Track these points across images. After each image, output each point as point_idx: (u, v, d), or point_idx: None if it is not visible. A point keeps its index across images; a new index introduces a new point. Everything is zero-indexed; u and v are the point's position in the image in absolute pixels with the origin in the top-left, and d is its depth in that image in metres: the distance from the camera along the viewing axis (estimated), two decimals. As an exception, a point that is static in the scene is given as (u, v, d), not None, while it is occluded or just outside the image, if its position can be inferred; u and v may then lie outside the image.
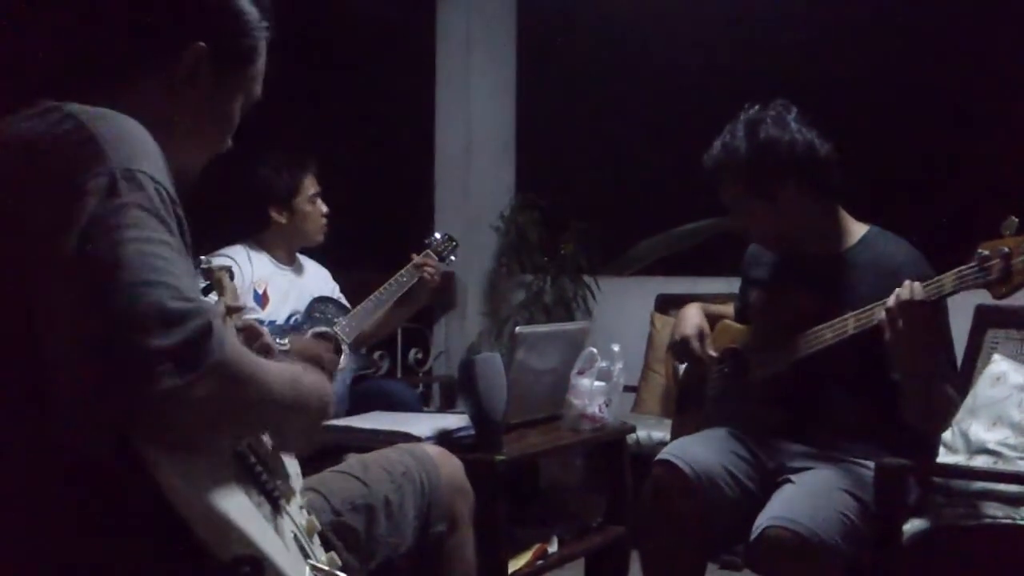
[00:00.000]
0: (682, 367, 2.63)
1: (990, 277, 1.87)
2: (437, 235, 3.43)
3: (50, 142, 1.10)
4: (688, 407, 2.57)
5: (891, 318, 1.97)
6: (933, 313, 1.98)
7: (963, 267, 1.92)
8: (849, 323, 2.12)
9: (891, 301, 1.97)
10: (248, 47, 1.33)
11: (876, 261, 2.23)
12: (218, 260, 1.84)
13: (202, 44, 1.27)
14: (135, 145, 1.11)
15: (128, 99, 1.22)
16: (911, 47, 4.42)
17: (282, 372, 1.18)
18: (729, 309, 2.61)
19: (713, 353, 2.45)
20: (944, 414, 2.17)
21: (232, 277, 1.84)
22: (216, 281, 1.81)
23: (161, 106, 1.26)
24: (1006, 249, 1.84)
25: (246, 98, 1.36)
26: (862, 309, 2.09)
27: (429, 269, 3.24)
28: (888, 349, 2.02)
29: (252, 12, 1.32)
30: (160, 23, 1.26)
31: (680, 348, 2.48)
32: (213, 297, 1.78)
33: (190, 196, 1.34)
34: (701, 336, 2.46)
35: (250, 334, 1.58)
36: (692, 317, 2.50)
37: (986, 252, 1.87)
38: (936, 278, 1.98)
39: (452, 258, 3.45)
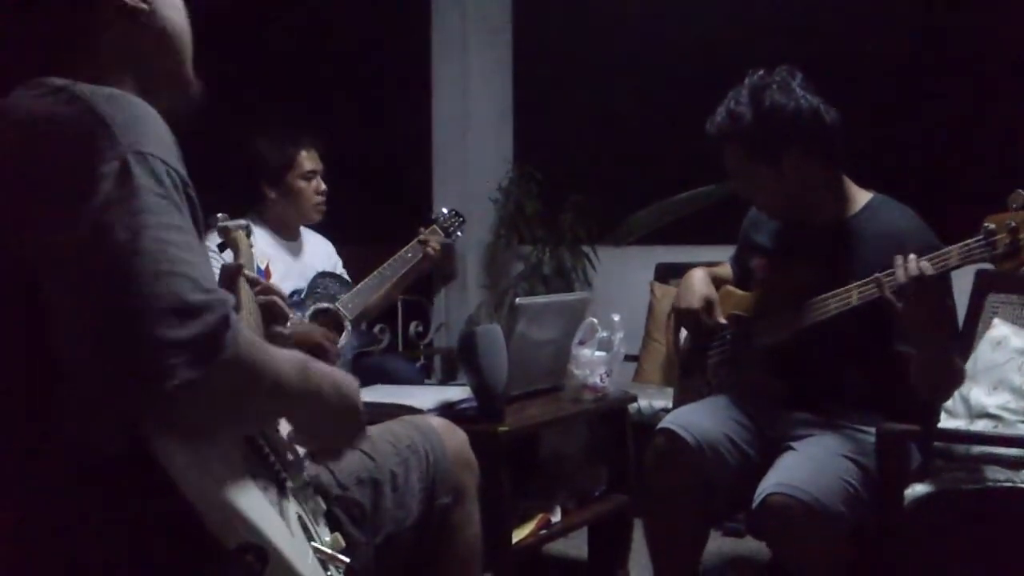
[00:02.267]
0: (683, 335, 2.63)
1: (996, 252, 1.86)
2: (444, 210, 3.39)
3: (57, 125, 1.08)
4: (690, 375, 2.57)
5: (899, 293, 1.96)
6: (939, 286, 1.98)
7: (970, 241, 1.91)
8: (853, 293, 2.11)
9: (900, 276, 1.96)
10: None
11: (880, 229, 2.22)
12: (238, 222, 1.83)
13: None
14: (145, 127, 1.09)
15: (100, 47, 1.21)
16: (915, 11, 4.38)
17: (291, 359, 1.17)
18: (728, 271, 2.59)
19: (723, 321, 2.44)
20: (951, 384, 2.17)
21: (249, 235, 1.83)
22: (232, 240, 1.80)
23: (128, 33, 1.24)
24: (1013, 223, 1.83)
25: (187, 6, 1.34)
26: (866, 280, 2.08)
27: (434, 245, 3.21)
28: (897, 322, 2.02)
29: None
30: None
31: (689, 319, 2.47)
32: (229, 255, 1.77)
33: (201, 162, 1.34)
34: (709, 306, 2.44)
35: (271, 311, 1.57)
36: (699, 286, 2.47)
37: (992, 226, 1.86)
38: (942, 251, 1.96)
39: (459, 234, 3.42)
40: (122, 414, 1.01)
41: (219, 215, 1.88)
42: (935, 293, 1.96)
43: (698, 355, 2.54)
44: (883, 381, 2.24)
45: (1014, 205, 1.86)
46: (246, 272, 1.56)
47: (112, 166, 1.04)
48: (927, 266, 1.94)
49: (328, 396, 1.24)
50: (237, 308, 1.45)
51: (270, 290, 1.61)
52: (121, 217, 1.02)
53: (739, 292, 2.50)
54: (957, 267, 1.95)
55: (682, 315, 2.48)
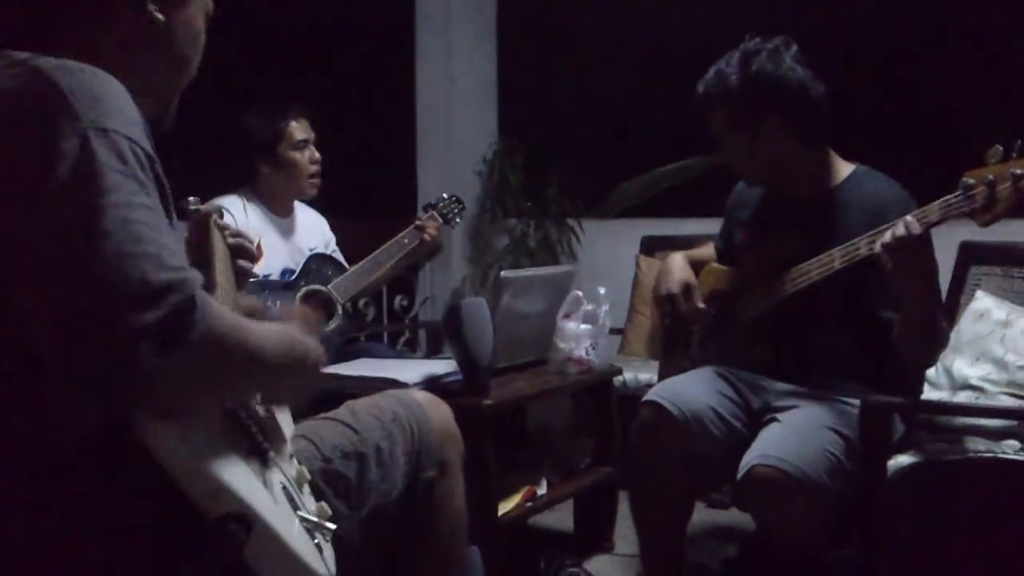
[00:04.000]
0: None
1: (975, 205, 1.88)
2: (444, 195, 3.32)
3: (16, 100, 1.05)
4: (674, 349, 2.58)
5: (890, 251, 1.97)
6: (923, 243, 1.99)
7: (949, 196, 1.93)
8: (835, 257, 2.13)
9: (887, 236, 1.97)
10: None
11: (862, 200, 2.24)
12: (210, 204, 1.82)
13: None
14: (108, 103, 1.07)
15: (102, 36, 1.19)
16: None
17: (269, 332, 1.16)
18: (711, 251, 2.60)
19: (701, 306, 2.45)
20: (937, 345, 2.19)
21: (222, 217, 1.82)
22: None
23: (134, 38, 1.23)
24: (991, 177, 1.85)
25: (206, 9, 1.33)
26: (847, 243, 2.10)
27: (431, 231, 3.14)
28: (888, 283, 2.03)
29: None
30: None
31: (667, 305, 2.48)
32: (198, 205, 1.76)
33: (177, 147, 1.33)
34: (688, 291, 2.45)
35: (238, 252, 1.57)
36: (677, 270, 2.49)
37: (971, 181, 1.89)
38: (922, 208, 1.98)
39: (458, 220, 3.35)
40: (95, 399, 1.00)
41: (191, 199, 1.87)
42: (919, 248, 1.97)
43: (680, 331, 2.55)
44: (867, 351, 2.25)
45: (992, 160, 1.88)
46: (216, 220, 1.54)
47: (72, 143, 1.01)
48: (913, 223, 1.95)
49: (304, 366, 1.25)
50: (211, 255, 1.43)
51: (239, 233, 1.61)
52: (81, 196, 1.00)
53: (722, 268, 2.51)
54: (938, 222, 1.96)
55: (661, 301, 2.49)
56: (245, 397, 1.27)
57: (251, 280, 1.66)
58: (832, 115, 2.27)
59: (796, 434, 2.09)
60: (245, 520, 1.03)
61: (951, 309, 2.64)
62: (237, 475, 1.07)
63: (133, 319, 0.96)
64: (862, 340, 2.25)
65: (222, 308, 1.07)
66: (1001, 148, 1.88)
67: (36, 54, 1.10)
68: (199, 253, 1.43)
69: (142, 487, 1.04)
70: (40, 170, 1.01)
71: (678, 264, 2.51)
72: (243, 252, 1.60)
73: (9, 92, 1.06)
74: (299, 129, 3.13)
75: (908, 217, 1.97)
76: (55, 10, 1.20)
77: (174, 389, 1.01)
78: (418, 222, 3.16)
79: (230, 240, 1.57)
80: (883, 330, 2.15)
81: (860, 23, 4.40)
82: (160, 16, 1.24)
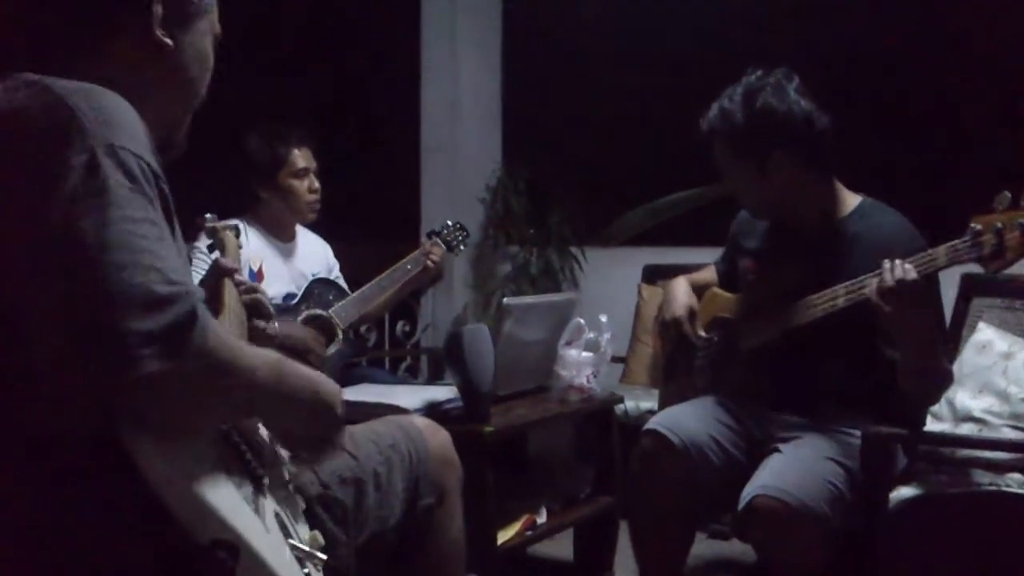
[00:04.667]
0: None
1: (983, 252, 1.87)
2: (449, 223, 3.31)
3: (27, 118, 1.07)
4: (675, 376, 2.57)
5: (885, 297, 1.96)
6: (927, 287, 1.98)
7: (957, 241, 1.91)
8: (840, 296, 2.11)
9: (886, 280, 1.96)
10: None
11: (868, 233, 2.22)
12: (226, 223, 1.82)
13: None
14: (117, 120, 1.09)
15: (110, 62, 1.20)
16: (902, 12, 4.39)
17: (265, 358, 1.16)
18: (712, 275, 2.59)
19: (702, 333, 2.46)
20: (939, 387, 2.18)
21: (238, 235, 1.82)
22: (220, 240, 1.80)
23: (142, 62, 1.24)
24: (999, 224, 1.84)
25: (214, 34, 1.34)
26: (853, 281, 2.08)
27: (434, 258, 3.13)
28: (885, 326, 2.02)
29: None
30: None
31: (670, 330, 2.48)
32: (217, 255, 1.77)
33: (179, 170, 1.33)
34: (691, 316, 2.46)
35: (255, 309, 1.57)
36: (680, 295, 2.49)
37: (979, 227, 1.87)
38: (929, 252, 1.97)
39: (462, 247, 3.33)
40: (91, 406, 1.00)
41: (208, 215, 1.88)
42: (921, 296, 1.96)
43: (683, 358, 2.54)
44: (869, 383, 2.24)
45: (1000, 206, 1.87)
46: (227, 265, 1.55)
47: (81, 159, 1.03)
48: (910, 269, 1.94)
49: (302, 396, 1.23)
50: (220, 307, 1.44)
51: (255, 289, 1.61)
52: (89, 210, 1.01)
53: (725, 294, 2.50)
54: (944, 268, 1.95)
55: (666, 326, 2.50)
56: (238, 419, 1.26)
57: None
58: (839, 144, 2.26)
59: (798, 465, 2.08)
60: (233, 548, 1.02)
61: (953, 341, 2.64)
62: (227, 501, 1.07)
63: (134, 327, 0.98)
64: (865, 372, 2.23)
65: (220, 327, 1.08)
66: (1009, 195, 1.86)
67: (47, 76, 1.11)
68: (208, 305, 1.44)
69: (130, 508, 1.04)
70: (49, 184, 1.02)
71: (682, 289, 2.51)
72: (259, 309, 1.59)
73: (22, 110, 1.08)
74: (301, 157, 3.12)
75: (906, 264, 1.95)
76: (65, 36, 1.22)
77: (168, 400, 1.02)
78: (422, 248, 3.15)
79: (245, 298, 1.56)
80: (887, 364, 2.13)
81: (863, 52, 4.43)
82: (168, 41, 1.25)
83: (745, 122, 2.21)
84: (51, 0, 1.23)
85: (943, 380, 2.17)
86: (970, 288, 2.76)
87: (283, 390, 1.20)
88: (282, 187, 3.10)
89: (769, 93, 2.20)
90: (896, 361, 2.09)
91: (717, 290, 2.53)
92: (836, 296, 2.12)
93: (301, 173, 3.12)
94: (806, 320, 2.18)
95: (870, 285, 2.01)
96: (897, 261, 1.96)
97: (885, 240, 2.15)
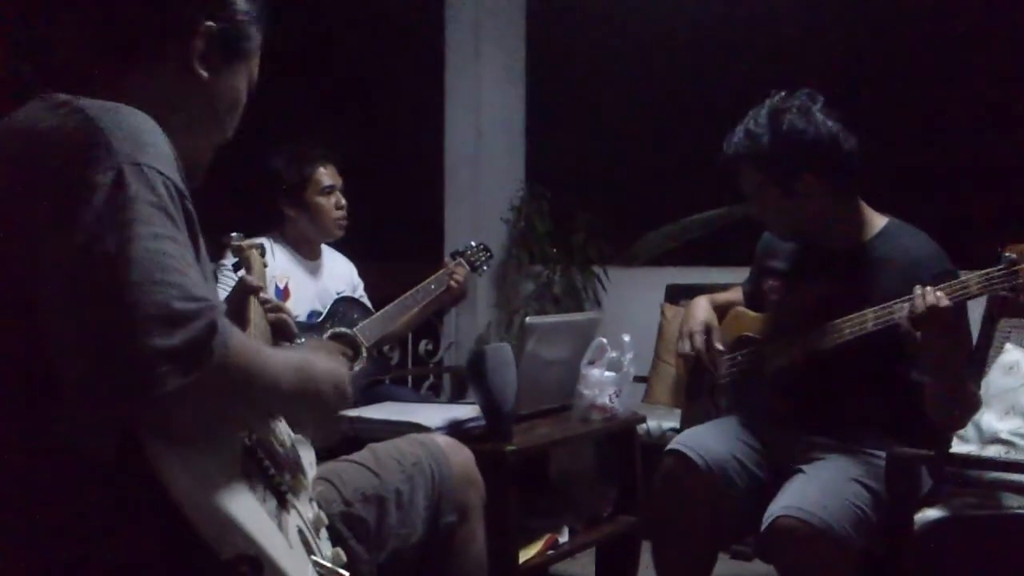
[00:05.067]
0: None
1: (1018, 281, 1.85)
2: (473, 243, 3.33)
3: (58, 136, 1.09)
4: (698, 395, 2.56)
5: (916, 323, 1.94)
6: (958, 314, 1.97)
7: (991, 270, 1.89)
8: (868, 319, 2.09)
9: (918, 306, 1.94)
10: (251, 25, 1.34)
11: (896, 255, 2.20)
12: (252, 241, 1.85)
13: (212, 24, 1.28)
14: (143, 139, 1.10)
15: (144, 87, 1.23)
16: (934, 33, 4.38)
17: (289, 360, 1.18)
18: (738, 295, 2.59)
19: (720, 347, 2.44)
20: (966, 412, 2.16)
21: (263, 254, 1.84)
22: (245, 259, 1.82)
23: (176, 91, 1.27)
24: None
25: (250, 79, 1.36)
26: (882, 306, 2.06)
27: (458, 279, 3.14)
28: (913, 351, 2.01)
29: None
30: (172, 4, 1.26)
31: (687, 344, 2.46)
32: (242, 273, 1.78)
33: (207, 188, 1.35)
34: (708, 331, 2.44)
35: (280, 329, 1.59)
36: (699, 312, 2.48)
37: (1013, 255, 1.85)
38: (961, 280, 1.95)
39: (485, 268, 3.35)
40: (114, 422, 1.01)
41: (233, 234, 1.89)
42: (952, 323, 1.94)
43: (706, 376, 2.53)
44: (895, 405, 2.22)
45: None
46: (253, 283, 1.56)
47: (107, 176, 1.05)
48: (943, 297, 1.92)
49: (326, 393, 1.26)
50: (245, 325, 1.45)
51: (280, 308, 1.62)
52: (113, 226, 1.02)
53: (751, 313, 2.49)
54: (977, 296, 1.93)
55: (681, 342, 2.48)
56: (263, 424, 1.27)
57: None
58: (866, 165, 2.24)
59: (821, 486, 2.06)
60: (257, 563, 1.02)
61: (979, 362, 2.61)
62: (251, 516, 1.07)
63: (155, 342, 0.99)
64: (891, 395, 2.22)
65: (243, 336, 1.09)
66: None
67: (79, 96, 1.13)
68: (233, 320, 1.45)
69: (153, 522, 1.04)
70: (76, 200, 1.04)
71: (701, 306, 2.50)
72: (283, 329, 1.61)
73: (52, 129, 1.10)
74: (327, 175, 3.15)
75: (939, 292, 1.93)
76: (104, 61, 1.25)
77: (191, 414, 1.02)
78: (446, 269, 3.16)
79: (270, 316, 1.59)
80: (913, 387, 2.12)
81: (888, 66, 4.41)
82: (204, 74, 1.28)
83: (772, 145, 2.19)
84: (94, 24, 1.25)
85: (971, 406, 2.15)
86: (997, 309, 2.73)
87: (308, 389, 1.21)
88: (309, 205, 3.12)
89: (795, 115, 2.19)
90: (923, 384, 2.07)
91: (742, 309, 2.52)
92: (865, 320, 2.10)
93: (327, 190, 3.13)
94: (833, 344, 2.16)
95: (901, 311, 1.98)
96: (929, 288, 1.94)
97: (912, 262, 2.13)
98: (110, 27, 1.25)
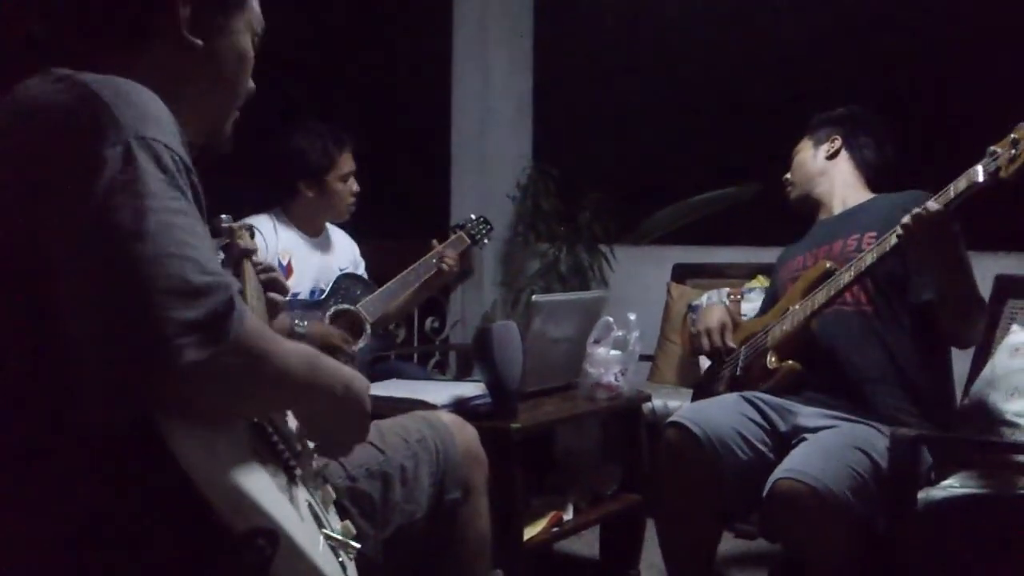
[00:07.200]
0: (704, 362, 2.68)
1: (998, 160, 1.96)
2: (472, 216, 3.35)
3: (63, 111, 1.08)
4: (705, 392, 2.59)
5: (913, 231, 2.06)
6: (950, 222, 2.05)
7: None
8: (866, 257, 2.21)
9: (909, 221, 2.06)
10: None
11: (881, 202, 2.47)
12: (242, 223, 1.85)
13: None
14: (148, 113, 1.10)
15: (143, 61, 1.22)
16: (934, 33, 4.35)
17: (298, 350, 1.17)
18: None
19: (732, 344, 2.51)
20: (978, 314, 2.29)
21: (252, 236, 1.84)
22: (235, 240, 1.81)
23: (176, 66, 1.25)
24: (1014, 136, 1.96)
25: (252, 25, 1.35)
26: (877, 241, 2.20)
27: (448, 261, 3.16)
28: (917, 261, 2.18)
29: None
30: None
31: (701, 339, 2.55)
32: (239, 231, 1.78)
33: (224, 156, 1.34)
34: (723, 329, 2.52)
35: (271, 286, 1.59)
36: (715, 312, 2.59)
37: (996, 148, 1.98)
38: (948, 186, 2.06)
39: (486, 241, 3.37)
40: (130, 396, 1.01)
41: (223, 216, 1.89)
42: (947, 225, 2.05)
43: (715, 380, 2.58)
44: (897, 372, 2.28)
45: (1018, 132, 1.97)
46: (252, 258, 1.57)
47: (115, 151, 1.04)
48: (932, 203, 2.04)
49: (335, 391, 1.24)
50: (242, 290, 1.45)
51: (271, 268, 1.63)
52: (125, 201, 1.02)
53: (762, 319, 2.58)
54: (964, 192, 2.01)
55: (695, 338, 2.58)
56: (275, 409, 1.28)
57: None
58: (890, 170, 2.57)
59: (822, 451, 2.09)
60: (272, 535, 1.03)
61: (986, 344, 2.62)
62: (264, 490, 1.07)
63: (174, 316, 0.98)
64: (892, 361, 2.30)
65: (256, 318, 1.09)
66: None
67: (78, 71, 1.13)
68: None
69: (166, 497, 1.05)
70: (85, 176, 1.03)
71: (717, 308, 2.64)
72: (275, 286, 1.62)
73: (55, 104, 1.09)
74: (347, 161, 3.18)
75: (929, 202, 2.05)
76: (97, 35, 1.23)
77: (206, 390, 1.02)
78: (439, 247, 3.17)
79: (262, 276, 1.59)
80: (914, 349, 2.28)
81: (898, 78, 4.39)
82: (198, 42, 1.26)
83: (840, 113, 2.60)
84: (83, 1, 1.24)
85: (980, 306, 2.29)
86: (1004, 289, 2.73)
87: (317, 383, 1.21)
88: (328, 188, 3.15)
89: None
90: (932, 303, 2.23)
91: (753, 319, 2.63)
92: (862, 260, 2.22)
93: (347, 176, 3.18)
94: (835, 291, 2.27)
95: (895, 232, 2.12)
96: (915, 208, 2.07)
97: (899, 199, 2.35)
98: (88, 11, 1.23)
